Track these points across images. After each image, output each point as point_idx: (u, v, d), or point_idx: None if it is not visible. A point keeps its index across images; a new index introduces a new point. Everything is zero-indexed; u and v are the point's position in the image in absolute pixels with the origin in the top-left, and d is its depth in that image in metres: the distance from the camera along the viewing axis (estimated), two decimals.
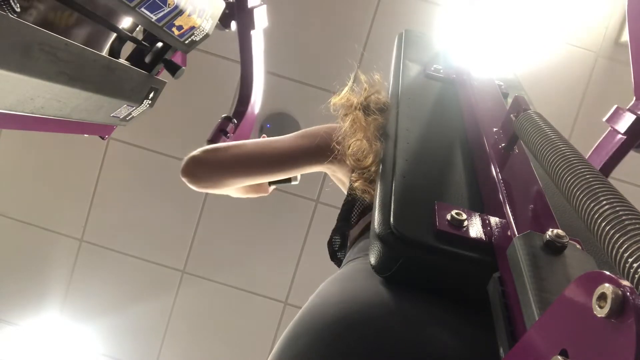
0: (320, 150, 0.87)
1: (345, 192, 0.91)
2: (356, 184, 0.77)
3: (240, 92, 1.49)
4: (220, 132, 1.43)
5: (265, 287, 2.63)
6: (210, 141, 1.43)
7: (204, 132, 2.51)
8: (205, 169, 0.88)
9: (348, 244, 0.86)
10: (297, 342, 0.51)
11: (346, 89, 0.89)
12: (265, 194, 1.22)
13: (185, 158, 0.90)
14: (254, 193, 1.16)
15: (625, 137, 1.04)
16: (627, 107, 1.03)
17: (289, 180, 1.28)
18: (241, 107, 1.50)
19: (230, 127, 1.44)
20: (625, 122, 1.03)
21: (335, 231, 0.90)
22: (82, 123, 1.05)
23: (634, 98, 1.02)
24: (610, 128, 1.08)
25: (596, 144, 1.13)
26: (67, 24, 0.93)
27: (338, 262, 0.92)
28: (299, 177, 1.27)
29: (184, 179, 0.89)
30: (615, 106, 1.06)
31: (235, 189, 1.04)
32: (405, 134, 0.71)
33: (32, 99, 0.80)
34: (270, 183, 1.25)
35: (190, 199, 2.55)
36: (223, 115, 1.47)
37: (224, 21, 1.32)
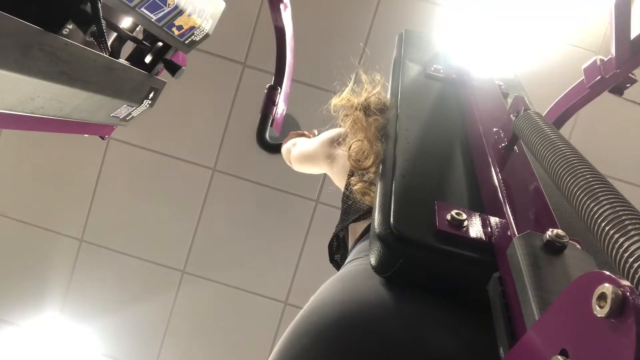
0: (327, 155, 0.99)
1: (342, 188, 0.92)
2: (356, 187, 0.76)
3: (278, 59, 1.66)
4: (269, 102, 1.65)
5: (265, 287, 2.63)
6: (263, 112, 1.64)
7: (204, 132, 2.52)
8: (287, 158, 1.29)
9: (349, 245, 0.85)
10: (298, 343, 0.51)
11: (347, 90, 0.88)
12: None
13: (284, 147, 1.31)
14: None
15: (589, 90, 1.20)
16: (603, 62, 1.13)
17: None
18: (280, 75, 1.70)
19: (276, 95, 1.64)
20: (592, 78, 1.17)
21: (335, 234, 0.91)
22: (82, 123, 1.05)
23: (611, 55, 1.10)
24: (582, 78, 1.21)
25: (567, 91, 1.31)
26: None
27: (335, 264, 0.92)
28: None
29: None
30: (594, 57, 1.17)
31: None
32: (405, 134, 0.71)
33: (32, 99, 0.80)
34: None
35: (190, 199, 2.55)
36: (268, 85, 1.67)
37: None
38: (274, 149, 1.58)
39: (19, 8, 0.68)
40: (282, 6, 1.53)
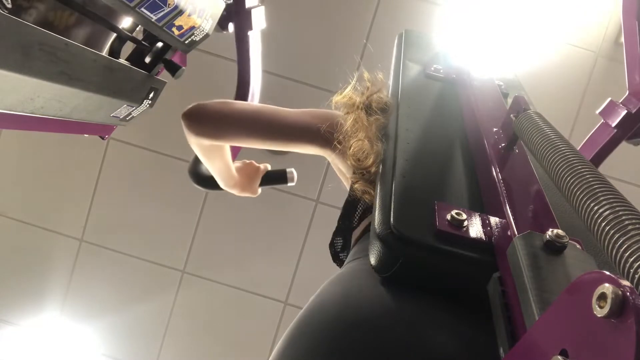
0: (326, 135, 0.85)
1: (346, 184, 0.91)
2: (356, 185, 0.76)
3: (237, 93, 1.50)
4: None
5: (265, 287, 2.63)
6: None
7: None
8: (211, 116, 0.87)
9: (351, 245, 0.85)
10: (298, 343, 0.51)
11: (349, 87, 0.88)
12: (253, 195, 1.22)
13: (193, 104, 0.89)
14: (240, 189, 1.17)
15: (616, 130, 1.08)
16: (620, 101, 1.06)
17: (285, 181, 1.26)
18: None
19: None
20: (617, 115, 1.07)
21: (336, 232, 0.90)
22: (82, 123, 1.05)
23: (627, 92, 1.04)
24: (602, 121, 1.12)
25: (588, 136, 1.17)
26: (67, 24, 0.93)
27: (341, 263, 0.92)
28: (295, 179, 1.25)
29: (183, 122, 0.89)
30: (608, 99, 1.10)
31: (224, 169, 1.05)
32: (406, 134, 0.71)
33: (32, 99, 0.80)
34: (266, 183, 1.23)
35: (190, 199, 2.55)
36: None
37: (221, 23, 1.32)
38: (208, 182, 1.23)
39: None
40: (250, 33, 1.41)
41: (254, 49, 1.46)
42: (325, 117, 0.88)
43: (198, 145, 0.95)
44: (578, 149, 1.33)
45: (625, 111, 1.05)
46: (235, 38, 1.42)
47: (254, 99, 1.52)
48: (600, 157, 1.14)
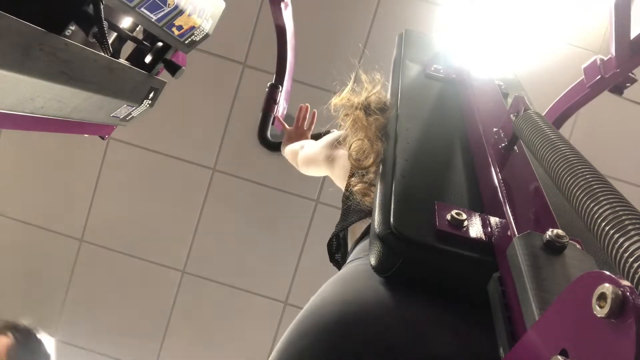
0: (328, 152, 1.00)
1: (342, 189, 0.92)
2: (356, 188, 0.76)
3: (279, 58, 1.67)
4: (271, 101, 1.67)
5: (265, 287, 2.63)
6: (265, 111, 1.66)
7: (204, 132, 2.52)
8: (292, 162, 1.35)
9: (350, 245, 0.85)
10: (299, 342, 0.51)
11: (346, 89, 0.88)
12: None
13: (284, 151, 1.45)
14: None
15: (588, 90, 1.19)
16: (602, 61, 1.13)
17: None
18: (281, 73, 1.70)
19: (278, 93, 1.67)
20: (592, 77, 1.17)
21: (335, 234, 0.90)
22: (82, 123, 1.05)
23: (610, 55, 1.10)
24: (582, 77, 1.21)
25: (566, 90, 1.31)
26: None
27: (336, 263, 0.92)
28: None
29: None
30: (594, 57, 1.16)
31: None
32: (405, 134, 0.71)
33: (32, 99, 0.80)
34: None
35: (190, 199, 2.55)
36: (269, 84, 1.69)
37: None
38: (275, 147, 1.60)
39: (22, 9, 0.68)
40: (282, 5, 1.54)
41: (287, 15, 1.59)
42: (330, 142, 1.02)
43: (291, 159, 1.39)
44: (554, 103, 1.40)
45: (599, 75, 1.14)
46: (269, 3, 1.53)
47: (293, 59, 1.72)
48: (569, 111, 1.31)
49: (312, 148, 1.16)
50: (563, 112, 1.33)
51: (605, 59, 1.13)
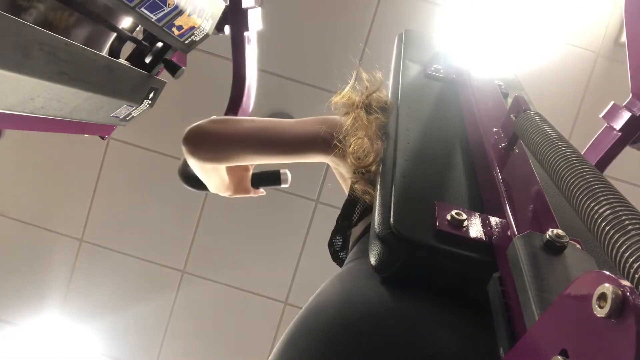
0: (326, 138, 0.81)
1: (346, 190, 0.91)
2: (356, 185, 0.76)
3: (232, 94, 1.47)
4: None
5: (265, 287, 2.63)
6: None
7: None
8: (213, 140, 0.83)
9: (350, 244, 0.85)
10: (298, 343, 0.51)
11: (347, 87, 0.88)
12: (247, 195, 1.13)
13: (190, 126, 0.84)
14: (234, 191, 1.08)
15: (620, 133, 1.06)
16: (623, 104, 1.05)
17: (279, 182, 1.20)
18: (231, 111, 1.48)
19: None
20: (621, 119, 1.06)
21: (335, 232, 0.90)
22: (82, 123, 1.05)
23: (630, 95, 1.03)
24: (606, 124, 1.10)
25: (592, 140, 1.16)
26: (67, 24, 0.93)
27: (340, 262, 0.92)
28: (289, 180, 1.20)
29: (184, 148, 0.84)
30: (612, 103, 1.08)
31: (219, 181, 1.00)
32: (406, 134, 0.71)
33: (32, 99, 0.80)
34: (259, 185, 1.17)
35: (190, 199, 2.55)
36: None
37: (218, 25, 1.31)
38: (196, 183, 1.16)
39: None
40: (245, 34, 1.40)
41: (250, 50, 1.45)
42: (325, 120, 0.86)
43: (200, 167, 0.90)
44: (582, 153, 1.31)
45: (630, 114, 1.03)
46: (231, 39, 1.41)
47: (250, 100, 1.51)
48: (605, 160, 1.12)
49: (303, 123, 0.86)
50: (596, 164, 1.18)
51: (626, 101, 1.05)
